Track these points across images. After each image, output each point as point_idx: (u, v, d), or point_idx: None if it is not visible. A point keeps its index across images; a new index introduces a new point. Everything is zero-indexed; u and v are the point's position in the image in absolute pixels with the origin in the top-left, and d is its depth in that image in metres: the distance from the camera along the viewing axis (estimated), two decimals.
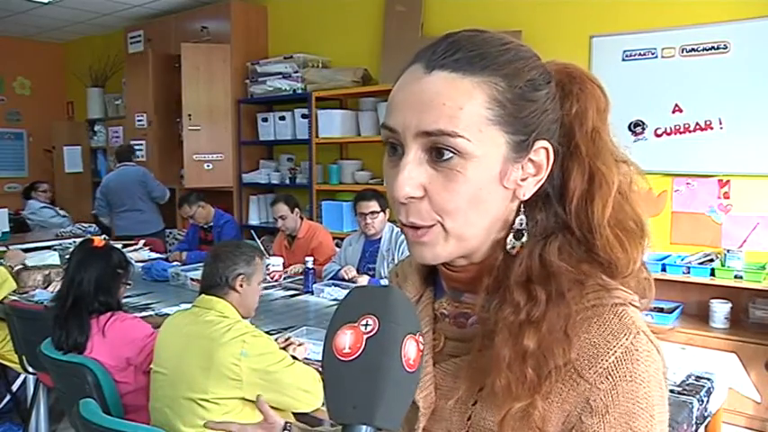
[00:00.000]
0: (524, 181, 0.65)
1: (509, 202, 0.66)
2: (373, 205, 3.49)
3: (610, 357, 0.60)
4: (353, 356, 0.53)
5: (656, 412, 0.60)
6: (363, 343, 0.53)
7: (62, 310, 2.22)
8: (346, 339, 0.54)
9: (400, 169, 0.63)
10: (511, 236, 0.67)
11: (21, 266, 3.58)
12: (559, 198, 0.68)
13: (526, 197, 0.66)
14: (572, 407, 0.60)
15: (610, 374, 0.59)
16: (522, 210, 0.67)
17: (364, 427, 0.52)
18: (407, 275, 0.79)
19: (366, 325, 0.54)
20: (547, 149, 0.65)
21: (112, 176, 5.58)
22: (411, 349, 0.54)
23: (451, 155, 0.61)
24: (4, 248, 4.24)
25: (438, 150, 0.62)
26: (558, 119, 0.67)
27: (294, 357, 2.09)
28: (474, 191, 0.62)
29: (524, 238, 0.66)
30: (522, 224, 0.67)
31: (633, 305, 0.63)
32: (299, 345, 2.29)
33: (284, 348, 2.17)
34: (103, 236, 5.18)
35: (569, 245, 0.66)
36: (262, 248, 4.08)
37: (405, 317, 0.55)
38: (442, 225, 0.64)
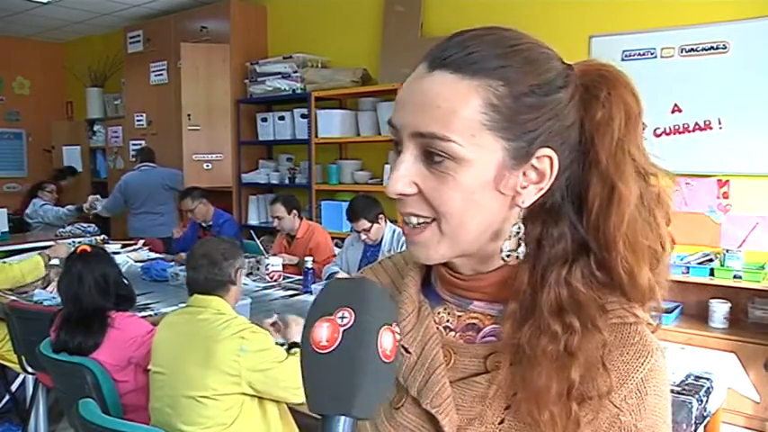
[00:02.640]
0: (525, 188, 0.63)
1: (507, 209, 0.64)
2: (362, 224, 3.47)
3: (638, 375, 0.62)
4: (330, 349, 0.54)
5: (669, 419, 0.66)
6: (340, 335, 0.54)
7: (68, 323, 2.24)
8: (323, 332, 0.54)
9: (396, 167, 0.64)
10: (507, 243, 0.65)
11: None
12: (578, 210, 0.65)
13: (525, 204, 0.64)
14: (601, 422, 0.62)
15: (638, 391, 0.62)
16: (521, 217, 0.65)
17: (343, 417, 0.53)
18: (400, 287, 0.75)
19: (342, 317, 0.55)
20: (551, 158, 0.63)
21: (135, 175, 5.40)
22: (387, 340, 0.55)
23: (444, 158, 0.61)
24: (4, 248, 4.24)
25: (431, 153, 0.62)
26: (575, 124, 0.64)
27: (296, 344, 2.11)
28: (466, 194, 0.62)
29: (521, 249, 0.65)
30: (518, 232, 0.65)
31: (649, 323, 0.66)
32: (286, 326, 2.28)
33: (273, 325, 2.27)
34: (103, 236, 5.20)
35: (591, 269, 0.64)
36: (262, 248, 4.08)
37: (380, 308, 0.56)
38: (438, 224, 0.63)
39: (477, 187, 0.62)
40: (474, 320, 0.70)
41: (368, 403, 0.53)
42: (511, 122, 0.61)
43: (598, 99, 0.64)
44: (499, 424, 0.65)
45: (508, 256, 0.65)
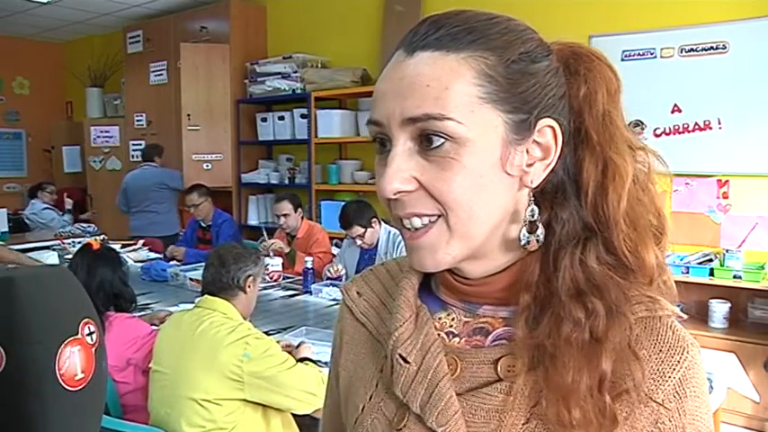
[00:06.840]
0: (531, 166, 0.58)
1: (516, 192, 0.59)
2: (356, 230, 3.45)
3: (676, 375, 0.56)
4: None
5: (710, 422, 0.59)
6: None
7: None
8: None
9: (388, 163, 0.57)
10: (524, 229, 0.59)
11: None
12: (576, 191, 0.60)
13: (534, 184, 0.59)
14: (640, 429, 0.56)
15: (677, 393, 0.56)
16: (532, 199, 0.60)
17: None
18: (394, 294, 0.68)
19: None
20: (553, 128, 0.58)
21: (133, 175, 5.38)
22: (70, 359, 0.39)
23: (442, 141, 0.55)
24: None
25: (427, 138, 0.55)
26: (565, 96, 0.60)
27: (307, 358, 2.10)
28: (474, 179, 0.55)
29: (539, 232, 0.59)
30: (533, 215, 0.59)
31: (678, 315, 0.60)
32: (297, 347, 2.30)
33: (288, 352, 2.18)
34: (102, 236, 5.19)
35: (599, 250, 0.59)
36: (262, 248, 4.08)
37: (46, 323, 0.40)
38: (446, 220, 0.57)
39: (484, 169, 0.56)
40: (483, 324, 0.62)
41: None
42: (508, 93, 0.56)
43: (579, 75, 0.61)
44: None
45: (528, 242, 0.59)
